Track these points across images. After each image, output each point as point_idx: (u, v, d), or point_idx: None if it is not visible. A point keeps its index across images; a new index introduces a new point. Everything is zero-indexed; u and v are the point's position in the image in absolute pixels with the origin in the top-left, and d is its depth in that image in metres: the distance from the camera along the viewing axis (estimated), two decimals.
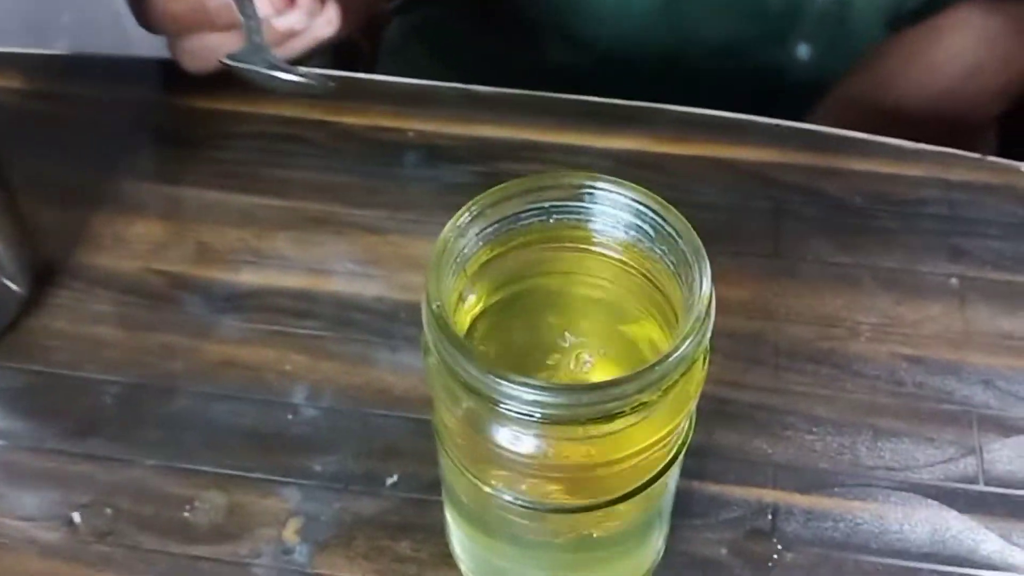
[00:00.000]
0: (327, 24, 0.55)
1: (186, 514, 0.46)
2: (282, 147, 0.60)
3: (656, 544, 0.43)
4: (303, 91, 0.54)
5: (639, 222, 0.35)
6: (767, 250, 0.55)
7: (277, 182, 0.58)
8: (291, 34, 0.55)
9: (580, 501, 0.36)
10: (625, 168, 0.58)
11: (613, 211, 0.36)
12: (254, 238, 0.56)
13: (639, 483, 0.36)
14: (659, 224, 0.35)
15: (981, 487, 0.47)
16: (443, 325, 0.32)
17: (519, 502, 0.36)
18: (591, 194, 0.36)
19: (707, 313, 0.32)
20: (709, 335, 0.33)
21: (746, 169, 0.58)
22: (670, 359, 0.31)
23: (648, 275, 0.36)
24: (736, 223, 0.56)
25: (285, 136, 0.61)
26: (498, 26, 0.75)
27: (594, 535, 0.38)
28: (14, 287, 0.52)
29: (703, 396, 0.35)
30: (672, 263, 0.35)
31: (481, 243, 0.36)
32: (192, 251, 0.55)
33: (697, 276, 0.33)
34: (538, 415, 0.31)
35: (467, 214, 0.35)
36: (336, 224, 0.56)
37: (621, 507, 0.36)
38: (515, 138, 0.60)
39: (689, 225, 0.34)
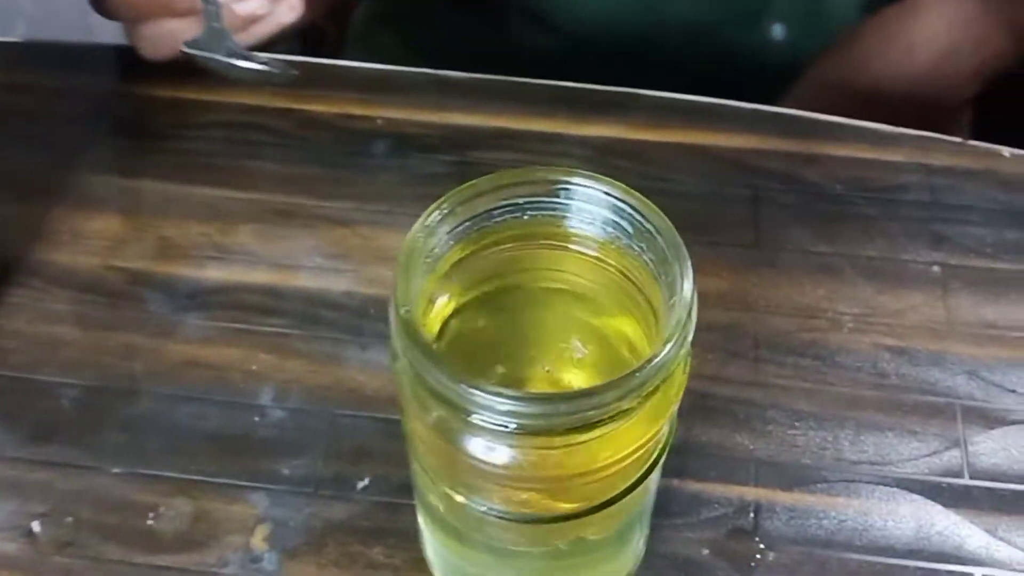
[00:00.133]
0: (290, 9, 0.54)
1: (150, 522, 0.45)
2: (246, 137, 0.58)
3: (637, 547, 0.42)
4: (264, 79, 0.52)
5: (617, 218, 0.34)
6: (746, 239, 0.54)
7: (241, 173, 0.56)
8: (253, 19, 0.53)
9: (557, 510, 0.34)
10: (601, 156, 0.56)
11: (590, 207, 0.34)
12: (218, 232, 0.54)
13: (618, 490, 0.34)
14: (637, 221, 0.34)
15: (966, 480, 0.46)
16: (412, 332, 0.31)
17: (493, 512, 0.34)
18: (567, 190, 0.34)
19: (689, 316, 0.31)
20: (691, 338, 0.31)
21: (724, 156, 0.57)
22: (651, 364, 0.30)
23: (626, 273, 0.35)
24: (714, 212, 0.55)
25: (249, 125, 0.58)
26: (467, 8, 0.73)
27: (572, 543, 0.36)
28: None
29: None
30: (651, 260, 0.33)
31: (452, 242, 0.34)
32: (153, 247, 0.53)
33: (678, 276, 0.32)
34: (512, 426, 0.30)
35: (437, 212, 0.33)
36: (303, 217, 0.55)
37: (600, 515, 0.35)
38: (488, 126, 0.58)
39: (669, 222, 0.33)
